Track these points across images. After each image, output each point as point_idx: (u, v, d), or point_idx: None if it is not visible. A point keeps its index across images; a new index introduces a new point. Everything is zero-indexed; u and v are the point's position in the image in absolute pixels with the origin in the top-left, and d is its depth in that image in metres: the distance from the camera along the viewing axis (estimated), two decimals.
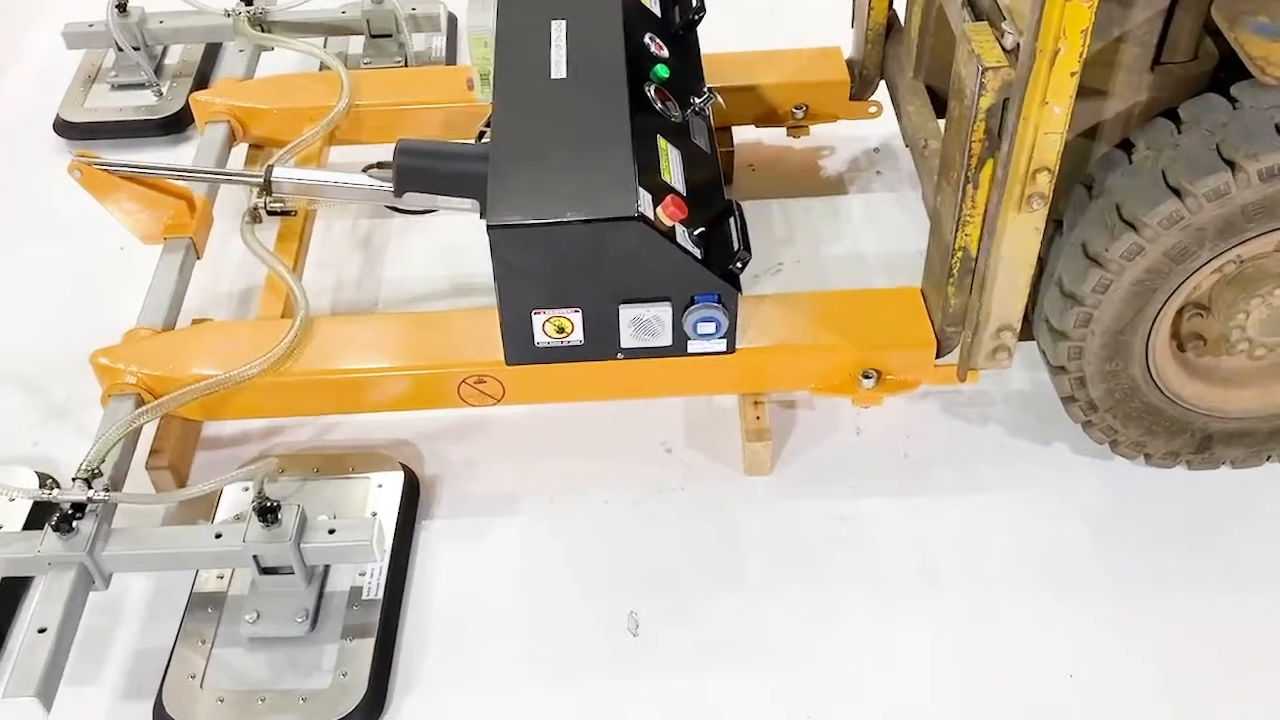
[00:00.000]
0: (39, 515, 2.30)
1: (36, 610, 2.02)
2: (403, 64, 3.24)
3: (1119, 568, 2.29)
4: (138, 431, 2.30)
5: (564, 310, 2.20)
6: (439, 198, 2.43)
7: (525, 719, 2.13)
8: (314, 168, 2.76)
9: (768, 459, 2.42)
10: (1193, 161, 1.96)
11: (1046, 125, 1.90)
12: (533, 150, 2.20)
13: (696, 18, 2.60)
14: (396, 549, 2.28)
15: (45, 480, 2.40)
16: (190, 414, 2.38)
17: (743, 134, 3.01)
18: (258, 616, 2.15)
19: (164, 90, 3.27)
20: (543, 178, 2.15)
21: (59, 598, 2.03)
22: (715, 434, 2.51)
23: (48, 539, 2.07)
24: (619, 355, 2.27)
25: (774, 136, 3.03)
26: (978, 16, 2.08)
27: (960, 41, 2.02)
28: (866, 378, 2.34)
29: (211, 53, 3.40)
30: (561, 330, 2.23)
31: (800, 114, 2.89)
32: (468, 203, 2.35)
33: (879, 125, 2.96)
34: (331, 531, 2.12)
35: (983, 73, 1.91)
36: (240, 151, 2.95)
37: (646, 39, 2.46)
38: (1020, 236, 2.07)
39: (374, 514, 2.30)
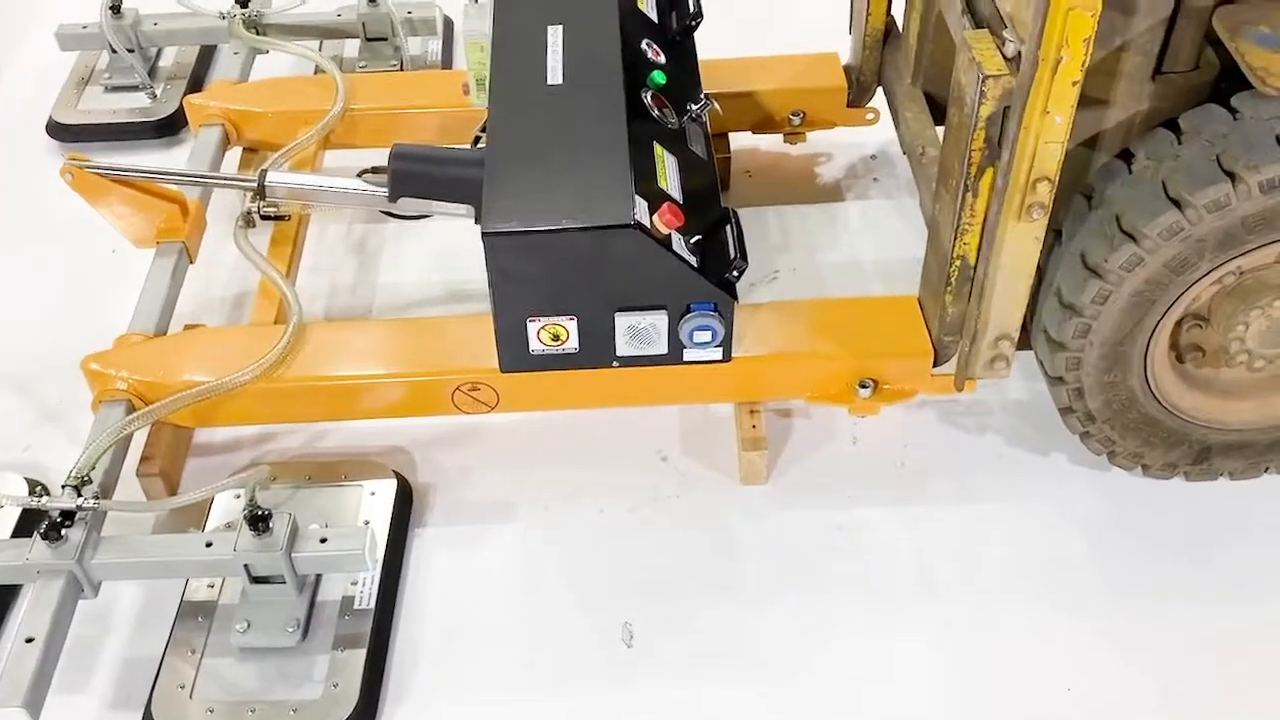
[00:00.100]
0: (28, 522, 2.27)
1: (24, 619, 1.99)
2: (398, 68, 3.21)
3: (1117, 578, 2.27)
4: (128, 438, 2.26)
5: (559, 318, 2.17)
6: (434, 203, 2.41)
7: None
8: (308, 172, 2.73)
9: (764, 468, 2.39)
10: (1193, 173, 1.94)
11: (1048, 134, 1.87)
12: (528, 157, 2.17)
13: (694, 23, 2.57)
14: (389, 557, 2.25)
15: (35, 487, 2.37)
16: (182, 420, 2.35)
17: (739, 140, 2.98)
18: (248, 626, 2.13)
19: (158, 93, 3.23)
20: (538, 185, 2.12)
21: (47, 606, 2.01)
22: (711, 442, 2.48)
23: (36, 547, 2.04)
24: (614, 363, 2.24)
25: (771, 143, 3.00)
26: (978, 24, 2.06)
27: (960, 49, 1.99)
28: (863, 387, 2.31)
29: (206, 55, 3.37)
30: (556, 338, 2.20)
31: (797, 120, 2.87)
32: (463, 208, 2.32)
33: (876, 132, 2.92)
34: (323, 540, 2.09)
35: (983, 81, 1.89)
36: (234, 155, 2.91)
37: (643, 45, 2.43)
38: (1020, 246, 2.04)
39: (366, 522, 2.27)
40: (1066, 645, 2.18)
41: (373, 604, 2.18)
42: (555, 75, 2.32)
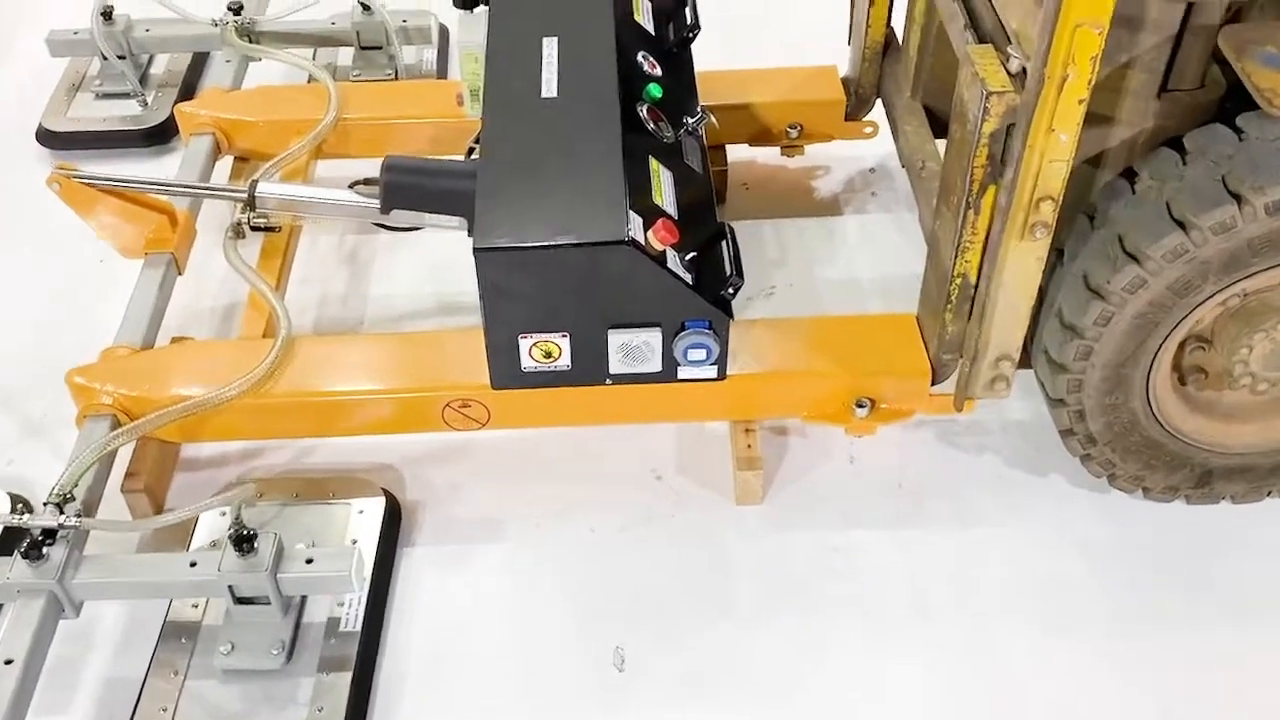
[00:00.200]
0: (9, 540, 2.19)
1: (3, 640, 1.94)
2: (393, 76, 3.15)
3: (1117, 601, 2.22)
4: (113, 454, 2.21)
5: (551, 335, 2.12)
6: (426, 215, 2.36)
7: None
8: (299, 183, 2.67)
9: (759, 488, 2.34)
10: (1198, 194, 1.89)
11: (1052, 153, 1.82)
12: (521, 171, 2.11)
13: (691, 35, 2.52)
14: (376, 578, 2.19)
15: (17, 503, 2.31)
16: (168, 436, 2.30)
17: (736, 152, 2.93)
18: (232, 648, 2.07)
19: (149, 100, 3.18)
20: (531, 200, 2.06)
21: (27, 627, 1.96)
22: (706, 460, 2.43)
23: (16, 566, 1.99)
24: (607, 381, 2.19)
25: (768, 155, 2.95)
26: (981, 38, 2.01)
27: (963, 64, 1.94)
28: (860, 406, 2.26)
29: (198, 62, 3.30)
30: (549, 355, 2.15)
31: (795, 133, 2.81)
32: (455, 220, 2.27)
33: (875, 145, 2.87)
34: (309, 561, 2.04)
35: (987, 97, 1.84)
36: (226, 164, 2.85)
37: (639, 57, 2.37)
38: (1022, 265, 1.99)
39: (354, 541, 2.21)
40: (1065, 668, 2.13)
41: (359, 626, 2.12)
42: (550, 88, 2.27)
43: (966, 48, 1.93)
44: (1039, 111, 1.77)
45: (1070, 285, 2.04)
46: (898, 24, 2.72)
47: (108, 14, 3.05)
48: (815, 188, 3.00)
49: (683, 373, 2.18)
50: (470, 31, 2.45)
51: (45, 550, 2.00)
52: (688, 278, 2.07)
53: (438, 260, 2.79)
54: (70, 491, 2.09)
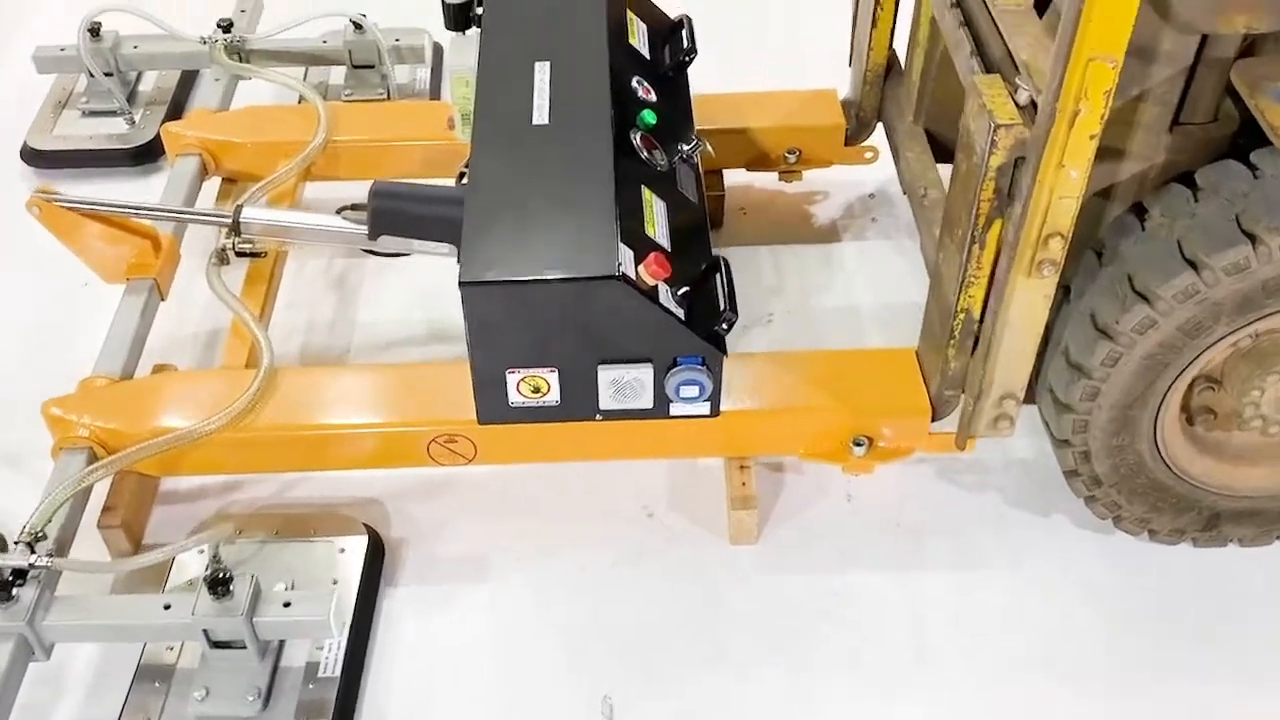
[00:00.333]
0: None
1: None
2: (385, 96, 3.05)
3: (1121, 647, 2.12)
4: (88, 489, 2.12)
5: (540, 370, 2.03)
6: (415, 241, 2.27)
7: None
8: (286, 207, 2.58)
9: (754, 527, 2.24)
10: (1211, 232, 1.79)
11: (1062, 189, 1.73)
12: (510, 202, 2.02)
13: (687, 59, 2.43)
14: (358, 619, 2.09)
15: None
16: (146, 469, 2.20)
17: (734, 176, 2.83)
18: (207, 694, 1.97)
19: (136, 118, 3.07)
20: (519, 232, 1.97)
21: None
22: (699, 496, 2.33)
23: None
24: (598, 417, 2.10)
25: (766, 179, 2.84)
26: (988, 67, 1.91)
27: (970, 94, 1.84)
28: (858, 445, 2.16)
29: (188, 79, 3.19)
30: (537, 390, 2.05)
31: (793, 159, 2.72)
32: (444, 247, 2.18)
33: (875, 170, 2.77)
34: (287, 605, 1.94)
35: (994, 130, 1.74)
36: (213, 185, 2.76)
37: (634, 82, 2.28)
38: (1029, 303, 1.89)
39: (335, 581, 2.11)
40: (1068, 716, 2.03)
41: (339, 671, 2.02)
42: (541, 114, 2.18)
43: (974, 78, 1.83)
44: (1049, 147, 1.67)
45: (1077, 324, 1.95)
46: (900, 46, 2.62)
47: (95, 30, 2.95)
48: (814, 213, 2.91)
49: (675, 409, 2.09)
50: (461, 54, 2.37)
51: (15, 591, 1.91)
52: (680, 313, 1.98)
53: (427, 286, 2.69)
54: (42, 530, 2.00)
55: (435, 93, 3.16)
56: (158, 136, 2.94)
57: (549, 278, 1.91)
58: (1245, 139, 1.88)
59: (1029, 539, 2.27)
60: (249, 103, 3.02)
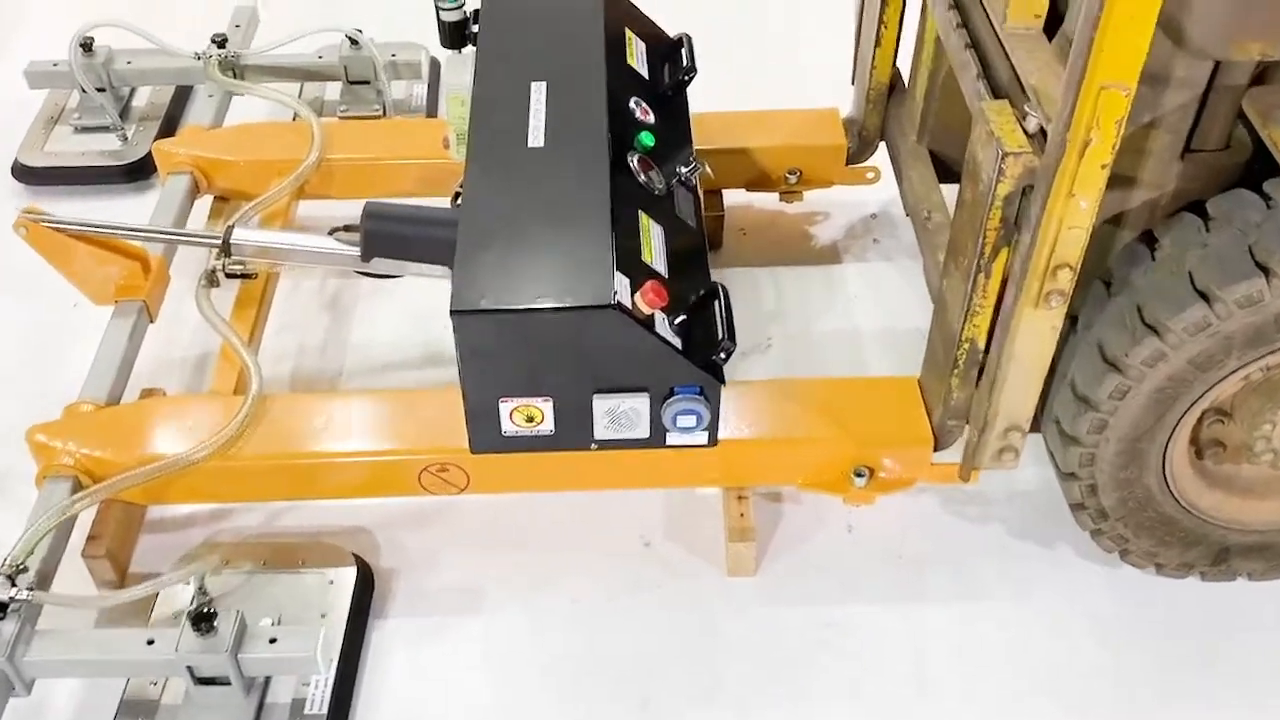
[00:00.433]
0: None
1: None
2: (381, 112, 2.98)
3: (1127, 682, 2.06)
4: (72, 519, 2.05)
5: (534, 399, 1.96)
6: (408, 263, 2.21)
7: None
8: (278, 228, 2.52)
9: (752, 560, 2.17)
10: (1223, 264, 1.72)
11: (1072, 219, 1.66)
12: (503, 228, 1.95)
13: (687, 78, 2.36)
14: (346, 653, 2.02)
15: None
16: (131, 498, 2.13)
17: (734, 195, 2.76)
18: None
19: (129, 134, 2.99)
20: (513, 259, 1.90)
21: None
22: (697, 526, 2.25)
23: None
24: (593, 446, 2.03)
25: (766, 199, 2.77)
26: (995, 91, 1.84)
27: (977, 120, 1.77)
28: (858, 475, 2.09)
29: (182, 95, 3.12)
30: (531, 419, 1.98)
31: (794, 179, 2.65)
32: (439, 269, 2.11)
33: (877, 190, 2.70)
34: (273, 641, 1.88)
35: (1002, 158, 1.67)
36: (205, 203, 2.69)
37: (631, 103, 2.21)
38: (1036, 335, 1.82)
39: (324, 615, 2.04)
40: None
41: (325, 708, 1.95)
42: (537, 136, 2.11)
43: (981, 104, 1.76)
44: (1059, 176, 1.60)
45: (1085, 355, 1.88)
46: (903, 64, 2.55)
47: (87, 45, 2.88)
48: (815, 234, 2.83)
49: (672, 439, 2.02)
50: (457, 73, 2.30)
51: None
52: (677, 342, 1.90)
53: (421, 307, 2.62)
54: (23, 562, 1.93)
55: (432, 108, 3.09)
56: (151, 153, 2.87)
57: (542, 307, 1.84)
58: (1258, 166, 1.82)
59: (1033, 570, 2.19)
60: (244, 119, 2.96)
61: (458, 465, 2.09)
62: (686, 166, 2.20)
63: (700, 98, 2.38)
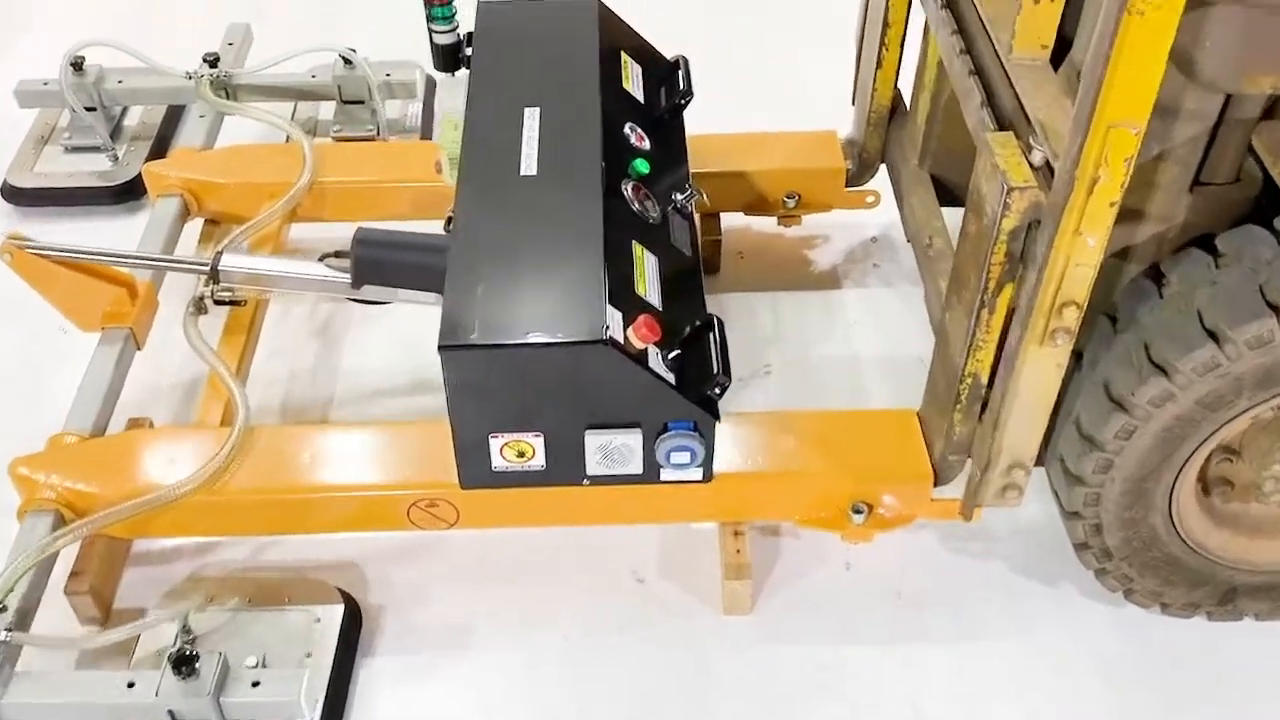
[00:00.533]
0: None
1: None
2: (375, 132, 2.91)
3: None
4: (53, 556, 1.98)
5: (524, 434, 1.89)
6: (399, 290, 2.15)
7: None
8: (267, 253, 2.44)
9: (748, 598, 2.09)
10: (1233, 303, 1.65)
11: (1079, 257, 1.59)
12: (493, 259, 1.89)
13: (683, 102, 2.29)
14: (332, 694, 1.93)
15: None
16: (115, 532, 2.06)
17: (732, 217, 2.68)
18: None
19: (120, 155, 2.92)
20: (503, 292, 1.84)
21: None
22: (692, 561, 2.18)
23: None
24: (585, 482, 1.96)
25: (764, 221, 2.69)
26: (1000, 121, 1.77)
27: (982, 152, 1.70)
28: (857, 512, 2.01)
29: (174, 115, 3.04)
30: (522, 454, 1.92)
31: (792, 203, 2.57)
32: (430, 296, 2.05)
33: (877, 212, 2.62)
34: (256, 684, 1.83)
35: (1008, 192, 1.60)
36: (196, 226, 2.62)
37: (626, 129, 2.15)
38: (1040, 372, 1.75)
39: (308, 654, 1.97)
40: None
41: None
42: (529, 164, 2.04)
43: (986, 135, 1.69)
44: (1067, 213, 1.53)
45: (1090, 394, 1.80)
46: (905, 86, 2.48)
47: (78, 64, 2.81)
48: (814, 258, 2.76)
49: (666, 475, 1.96)
50: (450, 96, 2.24)
51: None
52: (670, 377, 1.84)
53: (413, 333, 2.51)
54: (3, 600, 1.87)
55: (427, 128, 3.01)
56: (141, 174, 2.80)
57: (533, 342, 1.78)
58: (1268, 201, 1.75)
59: (1036, 608, 2.12)
60: (236, 139, 2.90)
61: (447, 500, 2.02)
62: (682, 193, 2.14)
63: (697, 120, 2.31)
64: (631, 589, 2.15)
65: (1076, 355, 1.84)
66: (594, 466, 1.93)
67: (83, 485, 2.03)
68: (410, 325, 2.51)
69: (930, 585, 2.15)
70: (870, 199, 2.60)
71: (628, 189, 2.04)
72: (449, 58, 2.26)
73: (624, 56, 2.31)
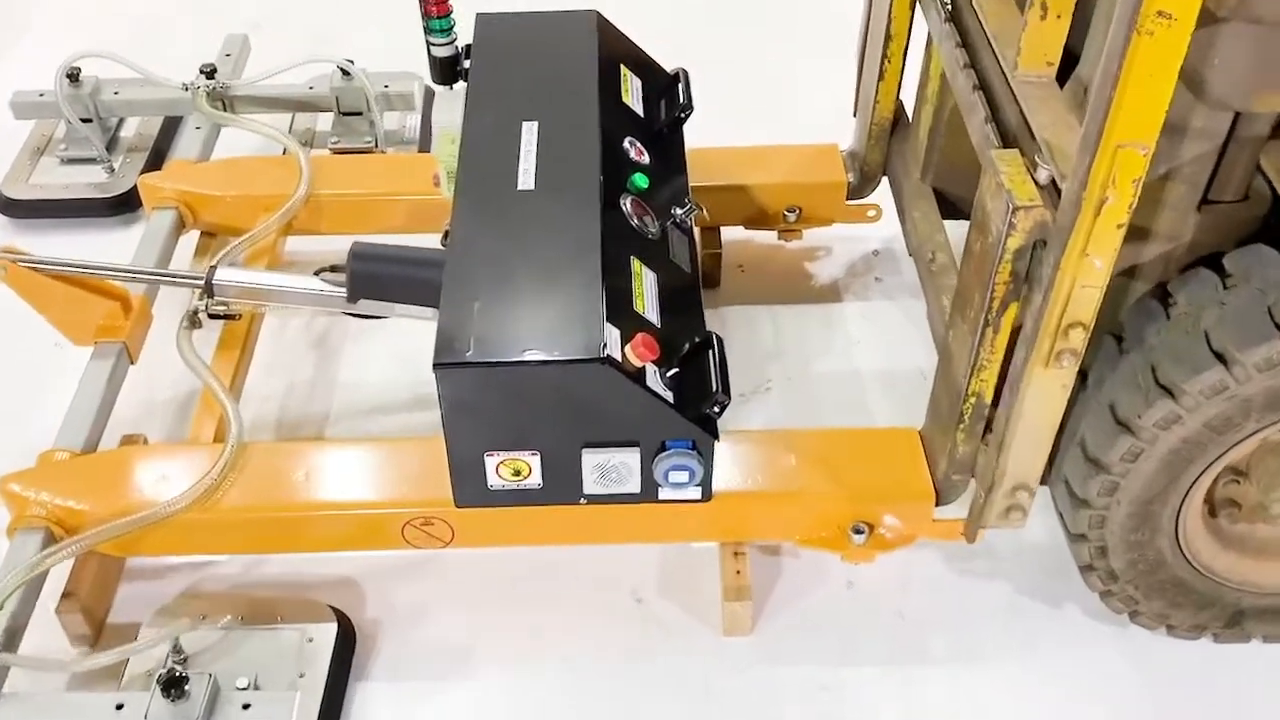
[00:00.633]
0: None
1: None
2: (373, 144, 2.86)
3: None
4: (43, 574, 1.94)
5: (520, 452, 1.85)
6: (396, 305, 2.11)
7: None
8: (262, 267, 2.41)
9: (748, 619, 2.05)
10: (1242, 325, 1.61)
11: (1085, 278, 1.55)
12: (489, 276, 1.84)
13: (683, 115, 2.26)
14: (325, 716, 1.89)
15: None
16: (106, 550, 2.01)
17: (732, 230, 2.64)
18: None
19: (116, 166, 2.88)
20: (499, 309, 1.80)
21: None
22: (691, 580, 2.14)
23: None
24: (581, 501, 1.92)
25: (765, 235, 2.64)
26: (1004, 137, 1.73)
27: (986, 169, 1.66)
28: (857, 533, 1.97)
29: (170, 126, 3.00)
30: (518, 473, 1.88)
31: (793, 217, 2.53)
32: (427, 311, 2.01)
33: (879, 225, 2.58)
34: (246, 706, 1.79)
35: (1013, 211, 1.56)
36: (191, 238, 2.58)
37: (625, 143, 2.11)
38: (1046, 394, 1.71)
39: (301, 675, 1.93)
40: None
41: None
42: (527, 179, 2.00)
43: (991, 153, 1.65)
44: (1074, 235, 1.50)
45: (1096, 415, 1.76)
46: (907, 97, 2.44)
47: (74, 76, 2.77)
48: (815, 271, 2.71)
49: (664, 494, 1.91)
50: (447, 110, 2.19)
51: None
52: (669, 396, 1.80)
53: (411, 346, 2.44)
54: None
55: (425, 140, 2.96)
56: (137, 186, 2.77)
57: (529, 360, 1.74)
58: (1276, 220, 1.71)
59: (1039, 629, 2.08)
60: (234, 151, 2.86)
61: (442, 519, 1.98)
62: (682, 208, 2.10)
63: (697, 133, 2.27)
64: (631, 609, 2.11)
65: (1081, 375, 1.80)
66: (591, 485, 1.89)
67: (73, 502, 1.98)
68: (409, 339, 2.46)
69: (933, 605, 2.11)
70: (872, 213, 2.56)
71: (626, 204, 2.00)
72: (447, 70, 2.22)
73: (623, 69, 2.27)
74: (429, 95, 2.99)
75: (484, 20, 2.33)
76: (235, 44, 3.00)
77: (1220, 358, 1.62)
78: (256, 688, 1.87)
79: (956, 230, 2.31)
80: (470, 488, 1.91)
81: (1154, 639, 2.04)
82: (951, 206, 2.44)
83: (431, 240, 2.15)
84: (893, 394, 2.43)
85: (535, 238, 1.91)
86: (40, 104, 2.86)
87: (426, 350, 1.75)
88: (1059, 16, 1.66)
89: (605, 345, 1.73)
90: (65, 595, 2.03)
